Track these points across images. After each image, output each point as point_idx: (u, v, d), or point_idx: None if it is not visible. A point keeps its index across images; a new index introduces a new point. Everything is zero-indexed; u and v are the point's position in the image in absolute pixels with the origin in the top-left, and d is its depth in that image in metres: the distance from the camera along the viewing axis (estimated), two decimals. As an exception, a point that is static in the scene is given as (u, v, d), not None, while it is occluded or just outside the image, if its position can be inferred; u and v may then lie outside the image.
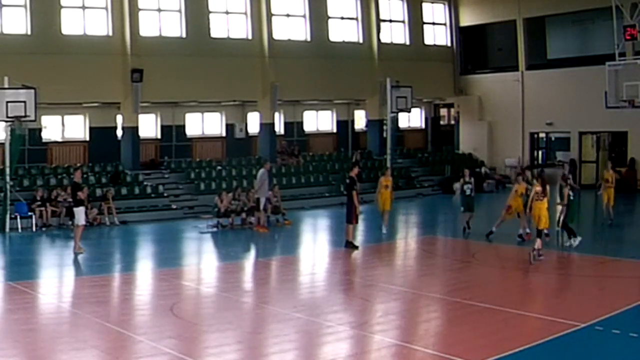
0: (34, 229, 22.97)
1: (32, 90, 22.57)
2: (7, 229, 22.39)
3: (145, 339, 11.22)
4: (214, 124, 32.51)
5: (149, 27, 28.60)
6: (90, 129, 29.02)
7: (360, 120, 36.47)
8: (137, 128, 28.40)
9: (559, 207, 19.50)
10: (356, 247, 19.18)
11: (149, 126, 30.27)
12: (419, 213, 28.57)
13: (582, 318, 11.89)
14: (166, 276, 16.42)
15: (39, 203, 23.56)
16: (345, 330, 11.82)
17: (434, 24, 37.59)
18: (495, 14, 36.62)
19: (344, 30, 33.98)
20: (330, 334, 11.69)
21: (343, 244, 19.31)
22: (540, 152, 36.94)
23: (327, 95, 33.85)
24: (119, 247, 21.57)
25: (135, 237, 23.00)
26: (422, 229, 24.74)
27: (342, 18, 34.00)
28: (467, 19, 37.90)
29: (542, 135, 36.53)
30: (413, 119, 38.51)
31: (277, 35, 31.48)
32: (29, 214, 23.18)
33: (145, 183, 27.45)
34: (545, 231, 18.14)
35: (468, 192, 21.51)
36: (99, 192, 25.33)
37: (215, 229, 23.19)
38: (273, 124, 31.48)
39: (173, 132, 31.02)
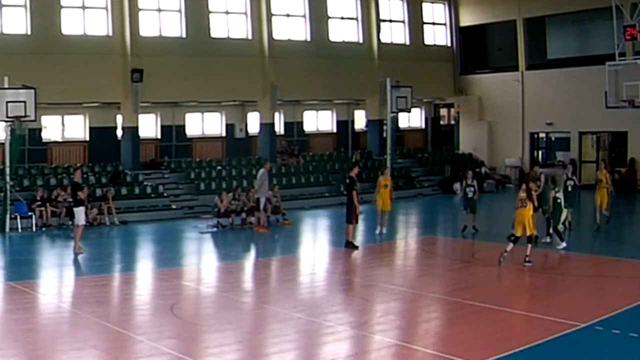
0: (34, 229, 22.97)
1: (32, 90, 22.57)
2: (7, 229, 22.40)
3: (145, 339, 11.21)
4: (214, 124, 32.52)
5: (149, 27, 28.60)
6: (90, 129, 29.03)
7: (360, 120, 36.48)
8: (137, 128, 28.40)
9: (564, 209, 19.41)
10: (356, 247, 19.18)
11: (149, 126, 30.28)
12: (419, 213, 28.56)
13: (582, 318, 11.89)
14: (166, 276, 16.42)
15: (39, 203, 23.56)
16: (345, 330, 11.82)
17: (434, 24, 37.59)
18: (495, 14, 36.63)
19: (344, 30, 33.98)
20: (330, 334, 11.69)
21: (343, 244, 19.31)
22: (540, 152, 36.93)
23: (327, 95, 33.85)
24: (119, 247, 21.57)
25: (135, 237, 23.00)
26: (422, 229, 24.73)
27: (342, 18, 34.01)
28: (467, 19, 37.90)
29: (542, 135, 36.52)
30: (413, 119, 38.53)
31: (277, 35, 31.49)
32: (29, 214, 23.18)
33: (145, 183, 27.45)
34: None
35: (470, 194, 21.47)
36: (99, 192, 25.33)
37: (215, 229, 23.19)
38: (273, 124, 31.49)
39: (173, 132, 31.03)
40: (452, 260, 18.33)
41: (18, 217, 22.86)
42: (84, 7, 27.42)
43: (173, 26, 29.30)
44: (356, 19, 34.32)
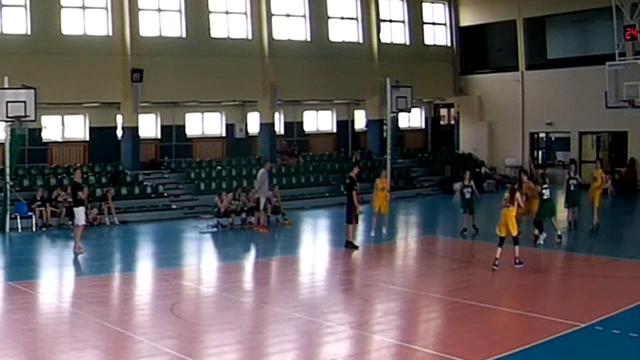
0: (34, 229, 22.97)
1: (32, 90, 22.57)
2: (7, 229, 22.39)
3: (145, 339, 11.22)
4: (214, 124, 32.52)
5: (149, 27, 28.61)
6: (90, 129, 29.03)
7: (360, 120, 36.48)
8: (137, 128, 28.40)
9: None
10: (356, 247, 19.19)
11: (149, 126, 30.28)
12: (419, 213, 28.56)
13: (582, 318, 11.89)
14: (166, 276, 16.43)
15: (39, 203, 23.56)
16: (345, 330, 11.83)
17: (434, 24, 37.59)
18: (495, 14, 36.63)
19: (344, 30, 33.98)
20: (330, 334, 11.69)
21: (343, 244, 19.31)
22: (540, 152, 36.94)
23: (327, 95, 33.85)
24: (119, 247, 21.57)
25: (135, 237, 23.00)
26: (422, 229, 24.73)
27: (342, 18, 34.00)
28: (467, 19, 37.90)
29: (542, 135, 36.53)
30: (413, 119, 38.52)
31: (277, 35, 31.49)
32: (29, 214, 23.18)
33: (145, 183, 27.45)
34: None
35: (468, 195, 21.47)
36: (99, 192, 25.33)
37: (215, 229, 23.20)
38: (273, 124, 31.49)
39: (173, 132, 31.03)
40: (452, 260, 18.33)
41: (18, 217, 22.86)
42: (84, 7, 27.42)
43: (173, 26, 29.30)
44: (356, 19, 34.32)
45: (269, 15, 31.23)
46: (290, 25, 32.42)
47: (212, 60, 29.48)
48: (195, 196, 27.61)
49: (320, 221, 26.35)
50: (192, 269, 18.01)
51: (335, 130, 35.90)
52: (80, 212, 18.83)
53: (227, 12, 30.67)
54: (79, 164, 27.22)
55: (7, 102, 22.19)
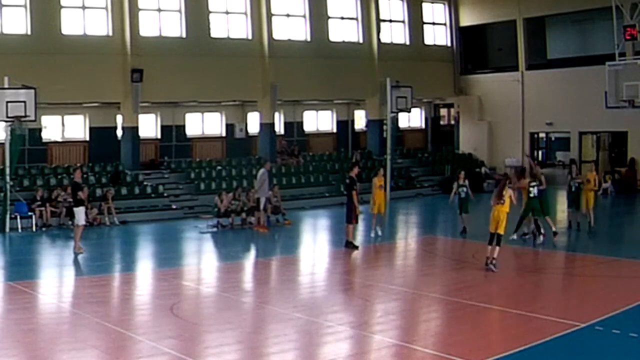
0: (34, 229, 22.98)
1: (32, 90, 22.58)
2: (7, 229, 22.40)
3: (145, 339, 11.21)
4: (214, 124, 32.52)
5: (149, 27, 28.61)
6: (90, 129, 29.03)
7: (360, 120, 36.48)
8: (137, 128, 28.40)
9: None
10: (356, 247, 19.18)
11: (149, 126, 30.28)
12: (419, 213, 28.56)
13: (582, 318, 11.89)
14: (166, 276, 16.42)
15: (39, 203, 23.57)
16: (345, 330, 11.82)
17: (434, 24, 37.58)
18: (495, 14, 36.63)
19: (344, 30, 33.97)
20: (330, 334, 11.69)
21: (343, 244, 19.31)
22: (540, 152, 36.93)
23: (327, 95, 33.84)
24: (119, 247, 21.57)
25: (135, 237, 23.00)
26: (422, 229, 24.74)
27: (342, 18, 34.00)
28: (467, 19, 37.90)
29: (542, 135, 36.53)
30: (413, 119, 38.52)
31: (277, 35, 31.49)
32: (29, 214, 23.19)
33: (145, 183, 27.45)
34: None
35: (463, 195, 21.44)
36: (99, 192, 25.33)
37: (215, 229, 23.19)
38: (273, 124, 31.49)
39: (173, 132, 31.03)
40: (452, 261, 18.32)
41: (18, 217, 22.86)
42: (84, 7, 27.42)
43: (173, 26, 29.30)
44: (356, 19, 34.32)
45: (269, 15, 31.23)
46: (290, 25, 32.41)
47: (212, 60, 29.48)
48: (195, 196, 27.61)
49: (320, 221, 26.35)
50: (192, 269, 18.00)
51: (335, 130, 35.90)
52: (80, 212, 18.83)
53: (227, 12, 30.68)
54: (79, 164, 27.20)
55: (7, 102, 22.21)
